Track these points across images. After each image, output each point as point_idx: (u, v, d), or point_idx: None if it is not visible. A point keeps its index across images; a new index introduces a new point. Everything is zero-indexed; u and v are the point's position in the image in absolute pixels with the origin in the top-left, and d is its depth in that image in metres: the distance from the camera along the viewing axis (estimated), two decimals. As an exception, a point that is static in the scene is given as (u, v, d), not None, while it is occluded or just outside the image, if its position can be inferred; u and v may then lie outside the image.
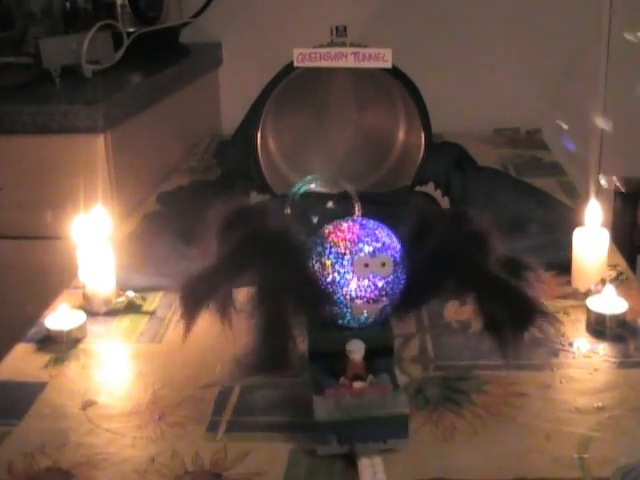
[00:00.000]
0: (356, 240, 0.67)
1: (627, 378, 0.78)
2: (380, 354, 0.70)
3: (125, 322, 0.92)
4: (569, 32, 1.73)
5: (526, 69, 1.76)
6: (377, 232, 0.68)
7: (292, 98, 1.23)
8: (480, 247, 0.70)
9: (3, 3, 1.57)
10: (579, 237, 0.94)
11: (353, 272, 0.66)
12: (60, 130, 1.24)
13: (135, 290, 0.97)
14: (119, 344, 0.88)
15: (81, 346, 0.87)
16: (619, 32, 1.72)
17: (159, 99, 1.48)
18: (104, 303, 0.93)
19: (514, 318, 0.68)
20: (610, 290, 0.87)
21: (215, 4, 1.78)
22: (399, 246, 0.69)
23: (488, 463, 0.66)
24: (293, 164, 1.27)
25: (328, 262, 0.67)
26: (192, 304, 0.68)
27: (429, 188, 1.23)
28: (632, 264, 1.25)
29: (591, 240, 0.94)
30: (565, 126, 1.52)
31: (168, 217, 1.19)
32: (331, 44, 1.11)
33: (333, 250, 0.67)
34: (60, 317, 0.88)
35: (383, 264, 0.67)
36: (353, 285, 0.67)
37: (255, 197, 1.19)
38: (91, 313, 0.92)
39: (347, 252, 0.67)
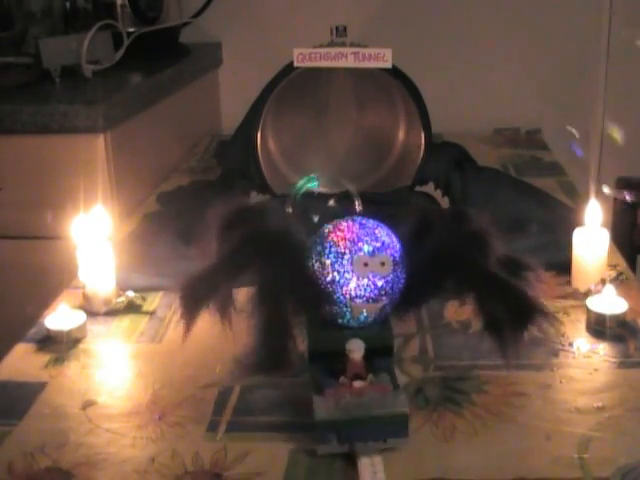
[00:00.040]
0: (356, 239, 0.67)
1: (627, 378, 0.78)
2: (380, 353, 0.70)
3: (125, 322, 0.92)
4: (569, 32, 1.74)
5: (526, 69, 1.76)
6: (377, 231, 0.68)
7: (292, 98, 1.23)
8: (480, 247, 0.70)
9: (3, 3, 1.57)
10: (579, 237, 0.94)
11: (353, 271, 0.67)
12: (60, 130, 1.24)
13: (135, 290, 0.97)
14: (119, 344, 0.88)
15: (81, 346, 0.87)
16: (619, 32, 1.72)
17: (159, 99, 1.48)
18: (104, 303, 0.93)
19: (514, 317, 0.68)
20: (610, 290, 0.87)
21: (215, 4, 1.78)
22: (399, 245, 0.69)
23: (488, 463, 0.66)
24: (293, 164, 1.27)
25: (328, 261, 0.67)
26: (192, 304, 0.68)
27: (429, 188, 1.23)
28: (632, 264, 1.25)
29: (591, 240, 0.94)
30: (575, 132, 1.52)
31: (168, 217, 1.19)
32: (331, 44, 1.11)
33: (333, 249, 0.67)
34: (60, 317, 0.88)
35: (383, 263, 0.67)
36: (353, 284, 0.67)
37: (255, 197, 1.19)
38: (91, 313, 0.92)
39: (347, 251, 0.67)
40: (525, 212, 1.15)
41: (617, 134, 1.43)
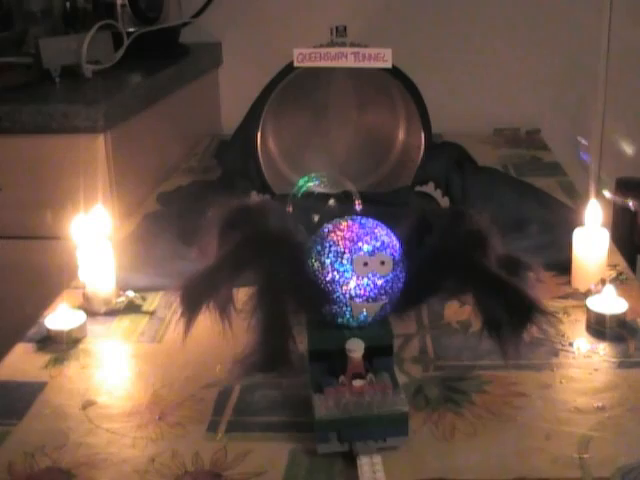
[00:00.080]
0: (355, 239, 0.67)
1: (627, 378, 0.78)
2: (380, 353, 0.70)
3: (125, 322, 0.92)
4: (569, 32, 1.74)
5: (526, 69, 1.76)
6: (376, 231, 0.68)
7: (292, 98, 1.23)
8: (479, 246, 0.70)
9: (3, 3, 1.57)
10: (579, 237, 0.94)
11: (352, 271, 0.67)
12: (60, 130, 1.24)
13: (135, 290, 0.97)
14: (119, 344, 0.88)
15: (81, 346, 0.87)
16: (619, 32, 1.72)
17: (159, 99, 1.48)
18: (104, 303, 0.93)
19: (513, 317, 0.68)
20: (610, 290, 0.87)
21: (215, 4, 1.78)
22: (398, 245, 0.69)
23: (488, 463, 0.66)
24: (293, 164, 1.27)
25: (327, 261, 0.67)
26: (192, 303, 0.68)
27: (429, 188, 1.23)
28: (632, 264, 1.25)
29: (591, 240, 0.94)
30: (584, 141, 1.52)
31: (168, 217, 1.19)
32: (331, 44, 1.11)
33: (332, 249, 0.67)
34: (60, 317, 0.88)
35: (382, 263, 0.67)
36: (352, 284, 0.67)
37: (255, 197, 1.19)
38: (91, 313, 0.92)
39: (346, 251, 0.67)
40: (525, 212, 1.15)
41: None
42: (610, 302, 0.86)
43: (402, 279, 0.69)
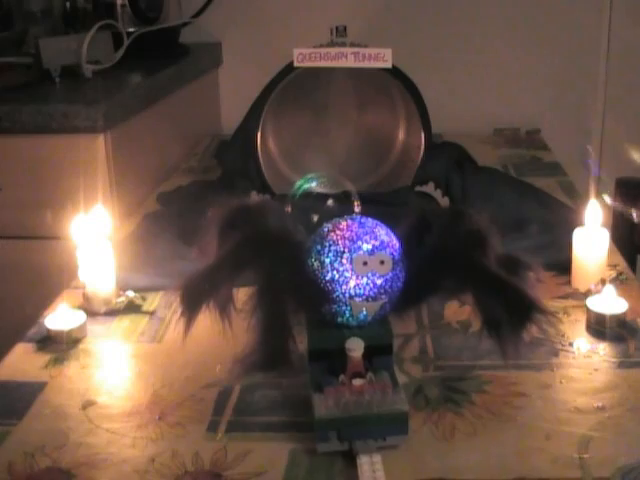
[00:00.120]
0: (355, 238, 0.67)
1: (627, 378, 0.78)
2: (379, 352, 0.70)
3: (125, 322, 0.92)
4: (569, 32, 1.74)
5: (526, 69, 1.76)
6: (376, 230, 0.68)
7: (292, 98, 1.23)
8: (479, 245, 0.70)
9: (3, 3, 1.57)
10: (579, 237, 0.94)
11: (352, 270, 0.67)
12: (60, 130, 1.24)
13: (135, 290, 0.97)
14: (119, 344, 0.88)
15: (81, 346, 0.87)
16: (619, 32, 1.72)
17: (159, 99, 1.48)
18: (104, 303, 0.93)
19: (513, 316, 0.68)
20: (610, 290, 0.87)
21: (215, 4, 1.78)
22: (398, 244, 0.69)
23: (488, 463, 0.66)
24: (293, 164, 1.27)
25: (327, 260, 0.67)
26: (192, 303, 0.68)
27: (429, 188, 1.23)
28: (632, 264, 1.25)
29: (591, 240, 0.94)
30: (591, 149, 1.51)
31: (168, 217, 1.19)
32: (331, 44, 1.11)
33: (332, 248, 0.67)
34: (60, 317, 0.88)
35: (382, 262, 0.67)
36: (352, 283, 0.67)
37: (255, 197, 1.19)
38: (91, 313, 0.92)
39: (346, 250, 0.67)
40: (525, 212, 1.15)
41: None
42: (610, 302, 0.86)
43: (402, 278, 0.69)
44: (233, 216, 0.72)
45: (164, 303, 0.96)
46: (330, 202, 1.03)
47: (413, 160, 1.23)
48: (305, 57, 1.09)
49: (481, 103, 1.78)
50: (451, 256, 0.70)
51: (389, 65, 1.09)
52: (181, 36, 1.76)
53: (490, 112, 1.76)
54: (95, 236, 0.93)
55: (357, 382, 0.68)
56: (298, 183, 0.95)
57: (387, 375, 0.69)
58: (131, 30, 1.59)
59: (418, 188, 1.23)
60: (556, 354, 0.82)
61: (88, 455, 0.69)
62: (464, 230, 0.71)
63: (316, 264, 0.68)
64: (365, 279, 0.67)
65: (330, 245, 0.67)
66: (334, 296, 0.67)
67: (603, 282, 0.93)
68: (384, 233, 0.69)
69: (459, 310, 0.90)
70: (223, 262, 0.68)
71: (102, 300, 0.93)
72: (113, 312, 0.93)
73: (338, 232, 0.68)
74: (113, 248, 0.95)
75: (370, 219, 0.70)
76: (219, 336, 0.69)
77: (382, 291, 0.67)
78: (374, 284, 0.67)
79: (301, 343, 0.69)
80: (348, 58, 1.08)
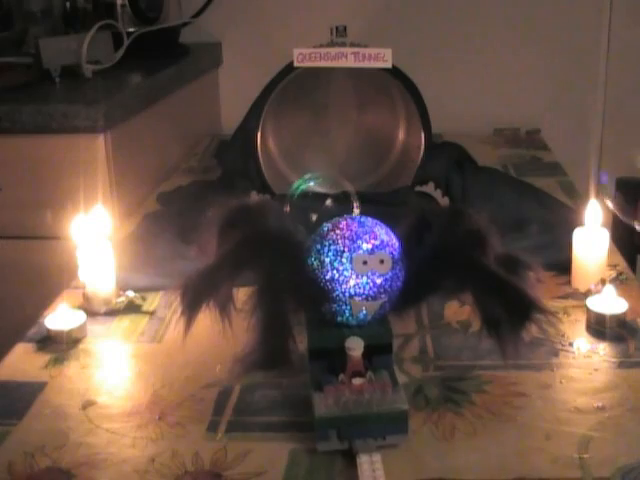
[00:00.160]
0: (355, 238, 0.67)
1: (627, 378, 0.78)
2: (379, 351, 0.70)
3: (125, 322, 0.92)
4: (569, 32, 1.74)
5: (526, 69, 1.76)
6: (376, 230, 0.68)
7: (292, 98, 1.23)
8: (478, 245, 0.70)
9: (3, 3, 1.57)
10: (579, 237, 0.94)
11: (352, 269, 0.67)
12: (60, 130, 1.24)
13: (135, 290, 0.97)
14: (119, 344, 0.88)
15: (81, 346, 0.87)
16: (619, 32, 1.72)
17: (159, 99, 1.48)
18: (104, 303, 0.93)
19: (512, 315, 0.68)
20: (610, 290, 0.87)
21: (215, 4, 1.78)
22: (398, 244, 0.69)
23: (488, 463, 0.66)
24: (293, 164, 1.27)
25: (327, 260, 0.67)
26: (192, 302, 0.68)
27: (429, 188, 1.23)
28: (632, 264, 1.25)
29: (591, 240, 0.94)
30: (604, 172, 1.51)
31: (168, 217, 1.19)
32: (331, 44, 1.11)
33: (332, 248, 0.67)
34: (60, 317, 0.88)
35: (382, 261, 0.67)
36: (352, 282, 0.67)
37: (255, 197, 1.19)
38: (91, 313, 0.92)
39: (346, 250, 0.67)
40: (525, 212, 1.15)
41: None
42: (610, 302, 0.86)
43: (401, 278, 0.69)
44: (233, 216, 0.72)
45: (164, 303, 0.96)
46: (329, 202, 1.03)
47: (413, 160, 1.23)
48: (305, 57, 1.09)
49: (481, 103, 1.78)
50: (451, 255, 0.70)
51: (389, 65, 1.09)
52: (181, 36, 1.76)
53: (490, 112, 1.76)
54: (95, 236, 0.93)
55: (357, 381, 0.68)
56: (296, 183, 0.95)
57: (387, 374, 0.69)
58: (131, 30, 1.59)
59: (418, 188, 1.23)
60: (556, 354, 0.82)
61: (88, 455, 0.69)
62: (464, 229, 0.71)
63: (316, 263, 0.68)
64: (365, 278, 0.67)
65: (330, 244, 0.67)
66: (334, 295, 0.67)
67: (603, 282, 0.93)
68: (384, 232, 0.69)
69: (459, 310, 0.90)
70: (223, 262, 0.68)
71: (102, 300, 0.93)
72: (113, 312, 0.93)
73: (338, 231, 0.68)
74: (113, 248, 0.95)
75: (370, 218, 0.70)
76: (219, 336, 0.69)
77: (382, 290, 0.67)
78: (374, 283, 0.67)
79: (301, 343, 0.69)
80: (348, 58, 1.08)
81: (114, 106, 1.28)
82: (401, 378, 0.74)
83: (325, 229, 0.69)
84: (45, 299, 0.96)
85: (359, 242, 0.67)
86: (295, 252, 0.69)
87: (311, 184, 0.94)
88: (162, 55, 1.63)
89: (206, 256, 0.71)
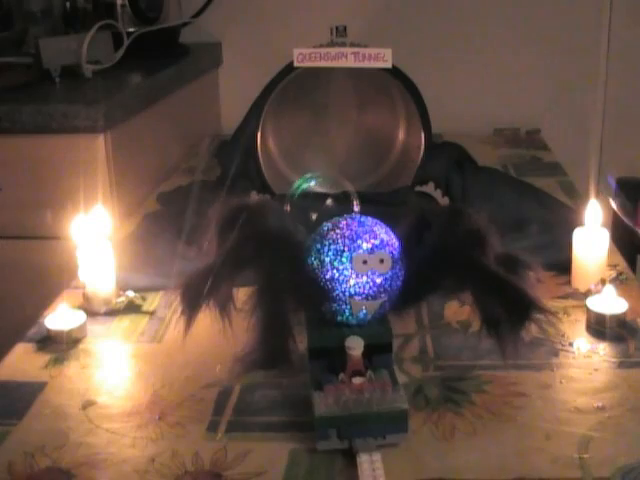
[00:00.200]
0: (355, 237, 0.67)
1: (627, 378, 0.78)
2: (379, 350, 0.70)
3: (125, 322, 0.92)
4: (569, 32, 1.74)
5: (526, 69, 1.76)
6: (375, 229, 0.68)
7: (292, 98, 1.23)
8: (478, 244, 0.70)
9: (3, 3, 1.57)
10: (579, 237, 0.94)
11: (352, 269, 0.67)
12: (60, 130, 1.24)
13: (135, 290, 0.97)
14: (119, 344, 0.88)
15: (81, 346, 0.87)
16: (619, 32, 1.72)
17: (159, 99, 1.48)
18: (104, 303, 0.93)
19: (512, 314, 0.68)
20: (610, 290, 0.87)
21: (215, 4, 1.78)
22: (397, 243, 0.69)
23: (488, 463, 0.66)
24: (293, 164, 1.27)
25: (327, 259, 0.67)
26: (192, 302, 0.68)
27: (429, 188, 1.23)
28: (632, 264, 1.25)
29: (591, 240, 0.94)
30: (611, 176, 1.51)
31: (168, 217, 1.19)
32: (331, 44, 1.11)
33: (332, 247, 0.67)
34: (60, 317, 0.88)
35: (382, 261, 0.67)
36: (352, 282, 0.67)
37: (255, 197, 1.19)
38: (91, 313, 0.92)
39: (346, 249, 0.67)
40: (525, 212, 1.15)
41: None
42: (610, 302, 0.86)
43: (401, 277, 0.69)
44: (233, 216, 0.72)
45: (164, 303, 0.96)
46: (329, 202, 1.03)
47: (413, 160, 1.23)
48: (305, 57, 1.09)
49: (481, 103, 1.78)
50: (450, 255, 0.70)
51: (389, 65, 1.09)
52: (181, 36, 1.76)
53: (490, 112, 1.76)
54: (95, 236, 0.93)
55: (357, 380, 0.68)
56: (297, 183, 0.95)
57: (387, 373, 0.69)
58: (131, 30, 1.59)
59: (418, 188, 1.23)
60: (556, 354, 0.82)
61: (88, 455, 0.69)
62: (463, 229, 0.71)
63: (316, 263, 0.68)
64: (365, 278, 0.67)
65: (330, 244, 0.68)
66: (334, 295, 0.68)
67: (603, 282, 0.93)
68: (384, 232, 0.69)
69: (459, 310, 0.90)
70: (223, 261, 0.68)
71: (102, 300, 0.93)
72: (113, 312, 0.93)
73: (338, 231, 0.68)
74: (113, 248, 0.95)
75: (370, 218, 0.70)
76: (219, 335, 0.69)
77: (382, 290, 0.68)
78: (374, 283, 0.67)
79: (301, 343, 0.69)
80: (348, 58, 1.08)
81: (114, 106, 1.28)
82: (401, 378, 0.74)
83: (325, 229, 0.69)
84: (45, 299, 0.96)
85: (359, 242, 0.67)
86: (295, 252, 0.69)
87: (312, 184, 0.94)
88: (162, 55, 1.63)
89: (206, 256, 0.71)
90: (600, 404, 0.73)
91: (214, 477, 0.66)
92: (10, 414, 0.75)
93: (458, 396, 0.76)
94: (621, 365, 0.80)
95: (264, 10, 1.78)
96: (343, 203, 1.03)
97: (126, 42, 1.54)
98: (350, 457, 0.66)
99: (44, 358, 0.85)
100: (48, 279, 1.10)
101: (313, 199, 1.05)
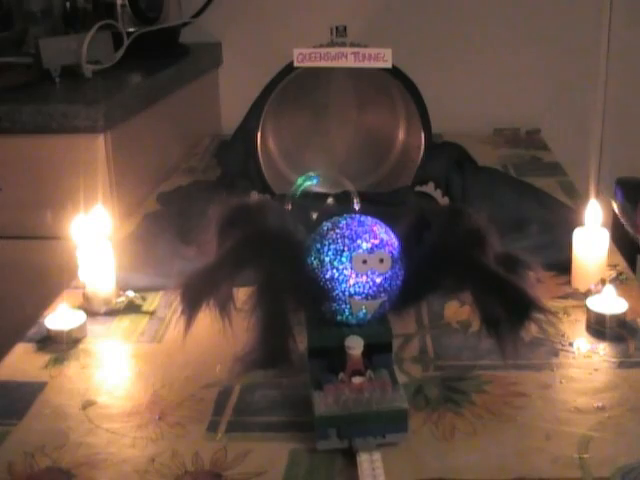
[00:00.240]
0: (354, 237, 0.67)
1: (627, 378, 0.78)
2: (379, 350, 0.70)
3: (125, 322, 0.92)
4: (569, 32, 1.73)
5: (526, 69, 1.76)
6: (375, 229, 0.69)
7: (292, 98, 1.23)
8: (478, 243, 0.70)
9: (3, 3, 1.57)
10: (579, 237, 0.94)
11: (352, 268, 0.67)
12: (60, 130, 1.24)
13: (135, 290, 0.97)
14: (119, 344, 0.88)
15: (81, 346, 0.87)
16: (619, 32, 1.72)
17: (159, 99, 1.48)
18: (104, 303, 0.93)
19: (512, 313, 0.68)
20: (610, 290, 0.87)
21: (215, 4, 1.78)
22: (397, 243, 0.69)
23: (488, 463, 0.66)
24: (293, 164, 1.27)
25: (327, 259, 0.67)
26: (192, 301, 0.68)
27: (429, 188, 1.23)
28: (632, 264, 1.25)
29: (591, 240, 0.94)
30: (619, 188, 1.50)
31: (168, 217, 1.19)
32: (331, 44, 1.11)
33: (332, 247, 0.67)
34: (60, 317, 0.88)
35: (381, 260, 0.67)
36: (352, 281, 0.67)
37: (255, 197, 1.19)
38: (91, 313, 0.92)
39: (345, 249, 0.67)
40: (525, 212, 1.15)
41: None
42: (610, 302, 0.86)
43: (401, 277, 0.69)
44: (233, 215, 0.72)
45: (164, 303, 0.96)
46: (330, 201, 1.03)
47: (413, 160, 1.23)
48: (305, 57, 1.09)
49: (481, 103, 1.78)
50: (450, 254, 0.70)
51: (389, 65, 1.09)
52: (181, 36, 1.76)
53: (490, 112, 1.76)
54: (95, 236, 0.93)
55: (357, 380, 0.68)
56: (299, 181, 0.95)
57: (386, 373, 0.69)
58: (131, 30, 1.59)
59: (418, 188, 1.23)
60: (556, 354, 0.82)
61: (88, 455, 0.69)
62: (463, 228, 0.71)
63: (316, 262, 0.68)
64: (364, 277, 0.67)
65: (330, 244, 0.68)
66: (334, 294, 0.68)
67: (603, 282, 0.93)
68: (383, 232, 0.69)
69: (459, 310, 0.90)
70: (223, 261, 0.68)
71: (102, 300, 0.93)
72: (113, 312, 0.93)
73: (337, 231, 0.68)
74: (113, 248, 0.95)
75: (369, 218, 0.70)
76: (219, 335, 0.69)
77: (381, 289, 0.68)
78: (373, 282, 0.67)
79: (301, 342, 0.69)
80: (348, 58, 1.08)
81: (114, 106, 1.28)
82: (401, 378, 0.74)
83: (325, 228, 0.69)
84: (45, 299, 0.96)
85: (359, 241, 0.67)
86: (295, 251, 0.69)
87: (313, 182, 0.94)
88: (162, 55, 1.63)
89: (206, 256, 0.71)
90: (600, 404, 0.73)
91: (214, 477, 0.66)
92: (10, 414, 0.75)
93: (458, 396, 0.76)
94: (621, 365, 0.80)
95: (264, 10, 1.78)
96: (343, 203, 1.03)
97: (126, 42, 1.54)
98: (350, 457, 0.66)
99: (44, 358, 0.85)
100: (48, 279, 1.10)
101: (313, 199, 1.05)
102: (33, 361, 0.84)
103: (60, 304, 0.91)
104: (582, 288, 0.94)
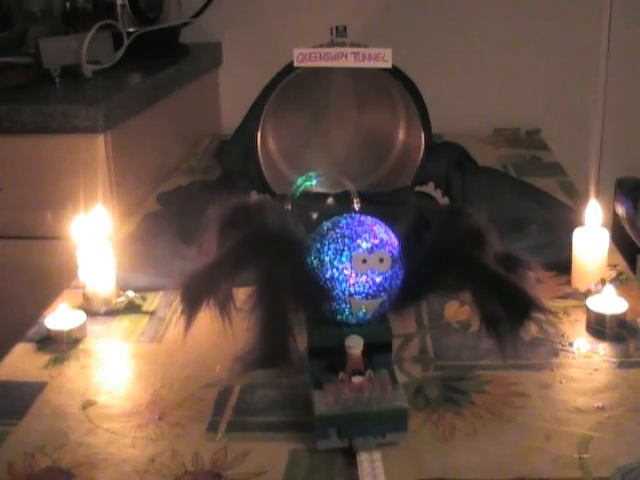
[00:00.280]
0: (354, 236, 0.67)
1: (627, 378, 0.78)
2: (379, 350, 0.70)
3: (125, 322, 0.92)
4: (569, 32, 1.74)
5: (526, 69, 1.76)
6: (375, 228, 0.69)
7: (292, 98, 1.23)
8: (478, 243, 0.70)
9: (3, 3, 1.57)
10: (579, 237, 0.94)
11: (351, 268, 0.67)
12: (60, 130, 1.24)
13: (135, 290, 0.97)
14: (119, 344, 0.88)
15: (81, 346, 0.87)
16: (619, 32, 1.72)
17: (159, 99, 1.48)
18: (104, 303, 0.93)
19: (511, 313, 0.68)
20: (610, 290, 0.87)
21: (215, 4, 1.78)
22: (397, 242, 0.69)
23: (488, 463, 0.66)
24: (293, 164, 1.27)
25: (327, 258, 0.67)
26: (192, 301, 0.68)
27: (429, 188, 1.23)
28: (632, 264, 1.25)
29: (591, 240, 0.94)
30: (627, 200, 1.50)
31: (168, 217, 1.19)
32: (331, 44, 1.11)
33: (332, 246, 0.67)
34: (60, 317, 0.88)
35: (381, 260, 0.67)
36: (351, 281, 0.67)
37: (255, 197, 1.19)
38: (91, 313, 0.92)
39: (345, 248, 0.67)
40: (525, 212, 1.15)
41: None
42: (610, 302, 0.86)
43: (401, 276, 0.69)
44: (233, 215, 0.72)
45: (164, 303, 0.96)
46: (330, 201, 1.03)
47: (413, 160, 1.23)
48: (305, 57, 1.09)
49: (481, 103, 1.78)
50: (450, 254, 0.70)
51: (389, 65, 1.09)
52: (181, 36, 1.76)
53: (490, 112, 1.76)
54: (95, 236, 0.93)
55: (357, 379, 0.68)
56: (299, 181, 0.95)
57: (386, 372, 0.69)
58: (131, 30, 1.59)
59: (418, 188, 1.23)
60: (556, 354, 0.82)
61: (88, 455, 0.69)
62: (463, 228, 0.71)
63: (316, 262, 0.68)
64: (364, 277, 0.67)
65: (330, 243, 0.68)
66: (334, 294, 0.68)
67: (603, 282, 0.93)
68: (383, 231, 0.69)
69: (459, 310, 0.90)
70: (223, 261, 0.69)
71: (102, 300, 0.93)
72: (113, 312, 0.93)
73: (337, 230, 0.68)
74: (113, 248, 0.95)
75: (369, 217, 0.70)
76: (219, 335, 0.69)
77: (381, 289, 0.68)
78: (373, 282, 0.67)
79: (301, 342, 0.69)
80: (348, 58, 1.08)
81: (114, 106, 1.28)
82: (401, 378, 0.74)
83: (325, 228, 0.70)
84: (45, 299, 0.97)
85: (359, 241, 0.67)
86: (295, 251, 0.69)
87: (313, 182, 0.94)
88: (162, 55, 1.63)
89: (206, 255, 0.71)
90: (600, 404, 0.73)
91: (214, 477, 0.66)
92: (10, 414, 0.75)
93: (458, 396, 0.76)
94: (621, 365, 0.80)
95: (264, 10, 1.78)
96: (343, 203, 1.03)
97: (126, 42, 1.54)
98: (350, 456, 0.66)
99: (44, 358, 0.85)
100: (48, 279, 1.10)
101: (314, 198, 1.05)
102: (33, 361, 0.84)
103: (60, 304, 0.91)
104: (582, 288, 0.94)
